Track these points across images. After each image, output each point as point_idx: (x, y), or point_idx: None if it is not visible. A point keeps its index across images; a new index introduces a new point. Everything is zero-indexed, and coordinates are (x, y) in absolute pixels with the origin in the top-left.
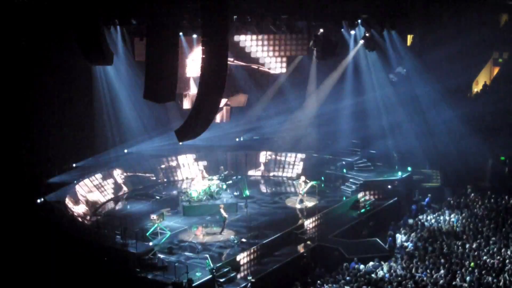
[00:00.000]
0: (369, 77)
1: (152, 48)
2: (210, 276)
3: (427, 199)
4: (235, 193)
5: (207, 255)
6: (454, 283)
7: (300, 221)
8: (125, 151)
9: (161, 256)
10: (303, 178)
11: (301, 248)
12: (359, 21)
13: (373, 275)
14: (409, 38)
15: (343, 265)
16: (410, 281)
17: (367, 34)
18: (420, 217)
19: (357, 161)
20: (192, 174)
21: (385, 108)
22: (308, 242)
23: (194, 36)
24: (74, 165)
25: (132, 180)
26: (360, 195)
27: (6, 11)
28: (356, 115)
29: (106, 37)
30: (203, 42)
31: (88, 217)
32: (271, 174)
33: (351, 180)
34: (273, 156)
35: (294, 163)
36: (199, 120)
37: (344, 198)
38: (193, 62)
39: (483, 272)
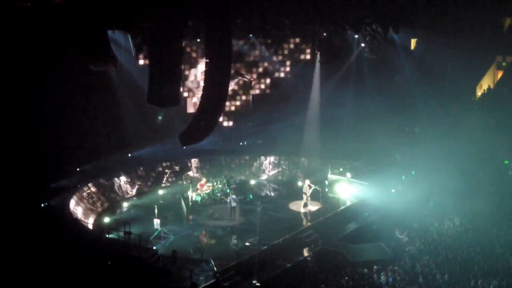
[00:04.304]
0: (372, 81)
1: (156, 53)
2: (214, 280)
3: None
4: (239, 197)
5: (211, 259)
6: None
7: (304, 225)
8: (129, 155)
9: (165, 260)
10: (307, 182)
11: (305, 252)
12: (363, 25)
13: (376, 279)
14: (413, 42)
15: (347, 269)
16: (414, 285)
17: (368, 38)
18: (425, 221)
19: (361, 165)
20: (196, 178)
21: (387, 111)
22: (312, 246)
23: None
24: (77, 169)
25: (135, 184)
26: (362, 198)
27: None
28: (359, 118)
29: (110, 42)
30: (206, 47)
31: (91, 222)
32: (274, 177)
33: (354, 184)
34: (277, 160)
35: (297, 167)
36: (203, 124)
37: (347, 202)
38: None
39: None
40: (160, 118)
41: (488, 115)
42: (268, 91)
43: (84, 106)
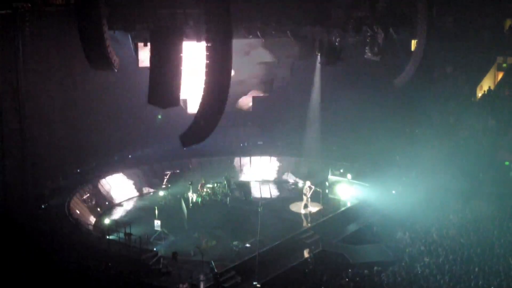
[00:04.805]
0: (372, 82)
1: (156, 54)
2: (214, 281)
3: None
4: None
5: (212, 260)
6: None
7: (305, 226)
8: (129, 156)
9: (165, 261)
10: (308, 183)
11: (305, 254)
12: (364, 26)
13: (377, 280)
14: (413, 43)
15: (347, 270)
16: (414, 286)
17: (368, 40)
18: (425, 222)
19: (361, 166)
20: (196, 179)
21: (387, 112)
22: (313, 247)
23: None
24: (77, 170)
25: (135, 185)
26: (363, 199)
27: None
28: (359, 119)
29: (111, 43)
30: (207, 48)
31: (91, 223)
32: (275, 179)
33: (355, 185)
34: (277, 161)
35: (297, 168)
36: (204, 125)
37: (348, 203)
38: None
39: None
40: (159, 117)
41: (488, 116)
42: (268, 92)
43: (84, 106)
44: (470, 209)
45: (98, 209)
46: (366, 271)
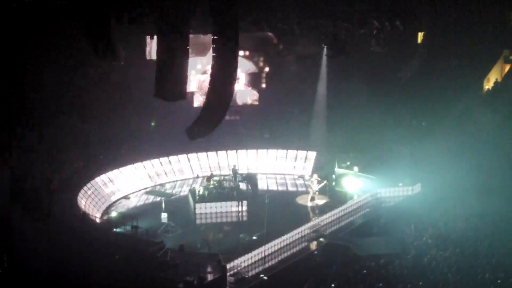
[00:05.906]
0: (378, 74)
1: (163, 47)
2: (222, 273)
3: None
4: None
5: (219, 253)
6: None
7: (312, 219)
8: (135, 149)
9: (172, 254)
10: (315, 176)
11: (312, 246)
12: (369, 19)
13: (384, 273)
14: (420, 35)
15: (354, 263)
16: (421, 279)
17: (375, 32)
18: (432, 215)
19: (368, 158)
20: (202, 172)
21: (393, 105)
22: (321, 239)
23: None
24: (82, 164)
25: (143, 177)
26: (370, 192)
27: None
28: (366, 112)
29: (117, 36)
30: (213, 41)
31: (99, 215)
32: (282, 171)
33: (362, 177)
34: (284, 154)
35: (305, 161)
36: (210, 118)
37: (355, 196)
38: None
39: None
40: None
41: (495, 109)
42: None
43: (92, 99)
44: (477, 202)
45: (105, 202)
46: (373, 264)
